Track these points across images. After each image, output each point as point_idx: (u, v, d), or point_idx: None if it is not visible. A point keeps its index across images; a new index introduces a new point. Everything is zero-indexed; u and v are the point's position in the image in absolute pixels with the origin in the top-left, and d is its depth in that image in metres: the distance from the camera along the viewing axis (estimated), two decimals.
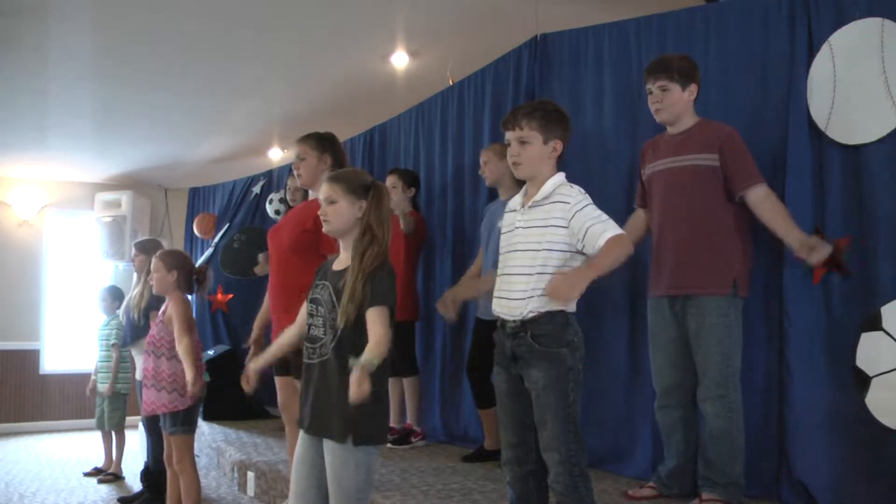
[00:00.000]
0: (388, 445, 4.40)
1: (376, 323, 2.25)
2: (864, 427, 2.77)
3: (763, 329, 3.15)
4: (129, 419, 5.48)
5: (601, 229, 2.29)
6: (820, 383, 2.94)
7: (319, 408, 2.32)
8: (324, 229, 2.43)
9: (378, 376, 2.28)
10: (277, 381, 3.40)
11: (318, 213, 2.43)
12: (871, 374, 2.77)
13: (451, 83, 4.92)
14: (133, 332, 4.63)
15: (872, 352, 2.77)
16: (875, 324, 2.77)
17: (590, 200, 2.38)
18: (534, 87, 4.14)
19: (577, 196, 2.38)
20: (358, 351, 2.22)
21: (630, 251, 2.32)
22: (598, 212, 2.35)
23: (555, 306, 2.35)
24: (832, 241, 2.84)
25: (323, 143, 3.53)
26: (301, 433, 2.41)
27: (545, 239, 2.37)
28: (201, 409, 5.90)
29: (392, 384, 4.58)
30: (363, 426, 2.26)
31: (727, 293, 2.92)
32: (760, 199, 2.92)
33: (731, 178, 2.94)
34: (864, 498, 2.78)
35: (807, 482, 2.93)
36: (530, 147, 2.45)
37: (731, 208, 2.98)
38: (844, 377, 2.85)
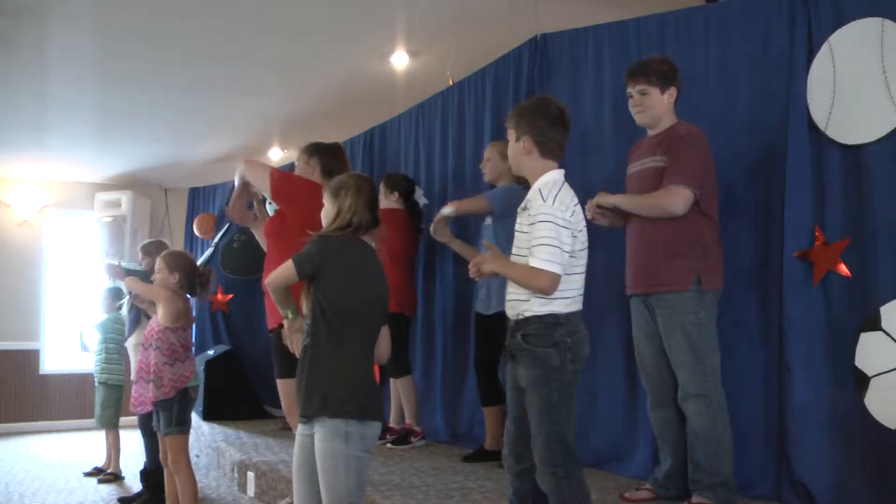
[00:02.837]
0: (388, 445, 4.40)
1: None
2: (864, 427, 2.77)
3: (763, 329, 3.15)
4: (128, 419, 5.47)
5: (535, 254, 2.30)
6: (820, 383, 2.94)
7: (300, 388, 2.42)
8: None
9: (353, 358, 2.38)
10: (280, 384, 3.38)
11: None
12: (870, 374, 2.77)
13: (451, 83, 4.92)
14: (134, 325, 4.69)
15: (872, 352, 2.77)
16: (874, 324, 2.77)
17: (550, 214, 2.30)
18: (534, 87, 4.14)
19: (538, 207, 2.33)
20: (323, 337, 2.37)
21: (539, 285, 2.29)
22: (550, 232, 2.28)
23: (540, 310, 2.34)
24: None
25: (310, 149, 3.59)
26: (297, 438, 2.47)
27: (526, 245, 2.38)
28: (201, 410, 5.93)
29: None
30: (335, 397, 2.33)
31: (688, 288, 2.87)
32: (659, 192, 2.88)
33: (665, 174, 2.90)
34: (864, 498, 2.78)
35: (807, 482, 2.93)
36: (510, 145, 2.51)
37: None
38: (844, 377, 2.85)
